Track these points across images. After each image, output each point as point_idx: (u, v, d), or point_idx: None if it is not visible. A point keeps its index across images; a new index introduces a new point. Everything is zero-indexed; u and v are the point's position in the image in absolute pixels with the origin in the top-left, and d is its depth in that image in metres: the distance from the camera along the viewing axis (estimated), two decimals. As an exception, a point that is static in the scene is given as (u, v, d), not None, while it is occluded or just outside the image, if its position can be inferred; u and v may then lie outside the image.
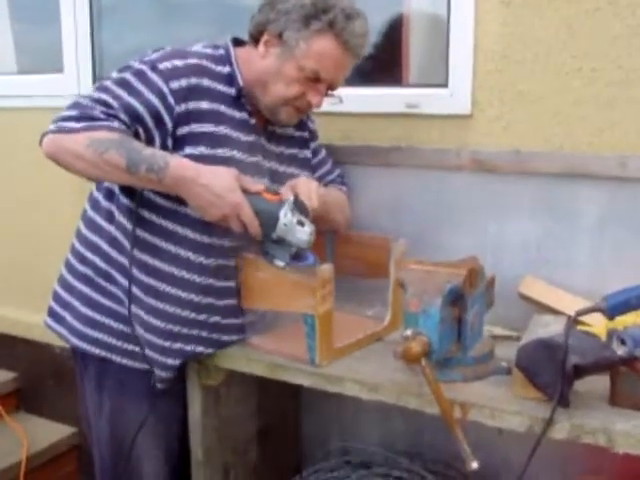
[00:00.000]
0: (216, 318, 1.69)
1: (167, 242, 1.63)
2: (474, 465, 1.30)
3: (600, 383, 1.40)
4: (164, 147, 1.56)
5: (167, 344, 1.66)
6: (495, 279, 1.69)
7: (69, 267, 1.77)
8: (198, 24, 2.46)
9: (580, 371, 1.32)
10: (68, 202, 2.55)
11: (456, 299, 1.46)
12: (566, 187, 1.78)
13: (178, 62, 1.58)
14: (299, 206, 1.53)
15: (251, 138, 1.68)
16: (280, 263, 1.55)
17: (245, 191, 1.51)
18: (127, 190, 1.63)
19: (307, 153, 1.87)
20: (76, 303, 1.73)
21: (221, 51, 1.67)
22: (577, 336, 1.37)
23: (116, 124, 1.51)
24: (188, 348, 1.67)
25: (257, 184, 1.56)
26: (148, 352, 1.66)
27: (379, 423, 2.13)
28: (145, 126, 1.55)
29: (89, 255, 1.71)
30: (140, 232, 1.62)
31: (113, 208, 1.67)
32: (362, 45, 1.64)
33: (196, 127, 1.58)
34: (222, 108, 1.62)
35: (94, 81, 2.60)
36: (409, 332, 1.38)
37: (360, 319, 1.85)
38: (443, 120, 1.93)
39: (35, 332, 2.70)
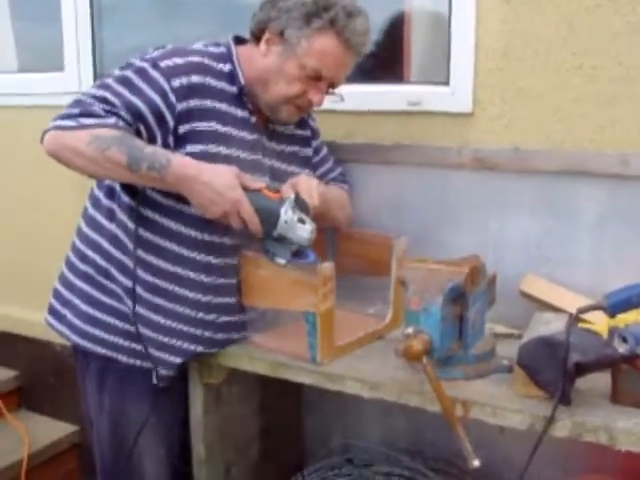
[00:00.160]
0: (217, 316, 1.69)
1: (168, 240, 1.63)
2: (475, 463, 1.30)
3: (601, 381, 1.40)
4: (165, 145, 1.56)
5: (168, 341, 1.66)
6: (496, 277, 1.69)
7: (70, 265, 1.77)
8: (199, 22, 2.46)
9: (581, 369, 1.32)
10: (69, 200, 2.55)
11: (457, 297, 1.46)
12: (567, 185, 1.78)
13: (179, 60, 1.58)
14: (300, 204, 1.53)
15: (252, 136, 1.68)
16: (281, 261, 1.55)
17: (246, 189, 1.51)
18: (128, 188, 1.63)
19: (308, 151, 1.87)
20: (77, 301, 1.73)
21: (222, 49, 1.67)
22: (578, 334, 1.37)
23: (118, 122, 1.51)
24: (190, 347, 1.67)
25: (258, 182, 1.56)
26: (148, 349, 1.66)
27: (381, 421, 2.14)
28: (147, 124, 1.55)
29: (90, 253, 1.71)
30: (141, 230, 1.62)
31: (114, 206, 1.67)
32: (363, 43, 1.64)
33: (197, 125, 1.58)
34: (223, 106, 1.62)
35: (95, 79, 2.60)
36: (410, 330, 1.38)
37: (361, 317, 1.85)
38: (444, 118, 1.93)
39: (36, 330, 2.70)
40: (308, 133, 1.87)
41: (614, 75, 1.71)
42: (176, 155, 1.52)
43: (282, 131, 1.79)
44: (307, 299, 1.56)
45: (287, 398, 2.13)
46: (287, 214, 1.51)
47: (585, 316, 1.50)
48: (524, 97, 1.82)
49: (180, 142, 1.57)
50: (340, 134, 2.06)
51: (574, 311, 1.43)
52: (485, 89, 1.87)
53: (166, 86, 1.55)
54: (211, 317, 1.68)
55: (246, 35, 1.71)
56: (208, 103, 1.60)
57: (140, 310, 1.65)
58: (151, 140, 1.56)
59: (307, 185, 1.61)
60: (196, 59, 1.61)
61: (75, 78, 2.64)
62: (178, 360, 1.68)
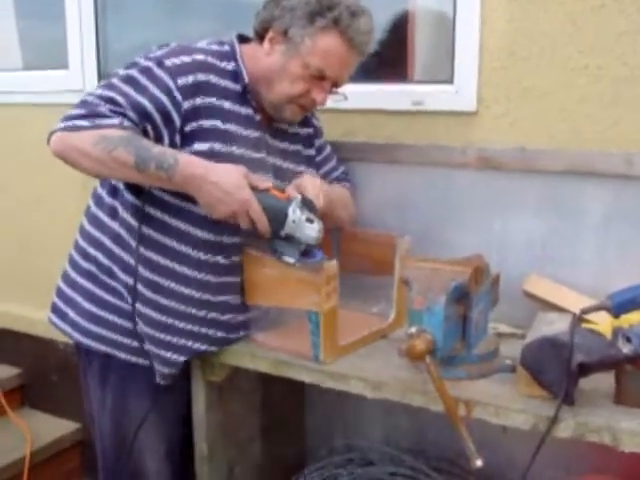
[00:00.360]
0: (220, 315, 1.69)
1: (172, 239, 1.63)
2: (478, 463, 1.29)
3: (605, 381, 1.40)
4: (172, 144, 1.56)
5: (171, 339, 1.66)
6: (500, 277, 1.69)
7: (72, 263, 1.77)
8: (203, 20, 2.46)
9: (585, 369, 1.32)
10: (72, 198, 2.55)
11: (461, 297, 1.45)
12: (572, 185, 1.78)
13: (184, 58, 1.58)
14: (307, 203, 1.53)
15: (256, 134, 1.68)
16: (290, 260, 1.55)
17: (253, 188, 1.51)
18: (133, 187, 1.62)
19: (311, 150, 1.87)
20: (79, 299, 1.74)
21: (226, 47, 1.67)
22: (582, 334, 1.37)
23: (124, 122, 1.50)
24: (192, 345, 1.68)
25: (265, 181, 1.56)
26: (151, 348, 1.66)
27: (383, 420, 2.13)
28: (153, 123, 1.55)
29: (92, 251, 1.71)
30: (145, 229, 1.62)
31: (117, 204, 1.67)
32: (367, 42, 1.64)
33: (203, 123, 1.58)
34: (228, 104, 1.62)
35: (99, 77, 2.60)
36: (414, 330, 1.38)
37: (364, 316, 1.85)
38: (448, 117, 1.93)
39: (39, 328, 2.71)
40: (311, 132, 1.87)
41: (619, 75, 1.71)
42: (184, 155, 1.52)
43: (286, 129, 1.78)
44: (310, 298, 1.56)
45: (289, 397, 2.13)
46: (295, 214, 1.51)
47: (589, 316, 1.50)
48: (529, 96, 1.82)
49: (186, 140, 1.57)
50: (344, 133, 2.06)
51: (578, 311, 1.43)
52: (489, 88, 1.86)
53: (172, 85, 1.54)
54: (214, 315, 1.68)
55: (250, 34, 1.71)
56: (213, 101, 1.59)
57: (143, 308, 1.65)
58: (158, 139, 1.56)
59: (312, 185, 1.61)
60: (200, 57, 1.60)
61: (79, 76, 2.64)
62: (181, 358, 1.68)
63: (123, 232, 1.66)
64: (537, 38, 1.79)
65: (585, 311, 1.43)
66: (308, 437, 2.27)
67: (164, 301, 1.65)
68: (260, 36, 1.67)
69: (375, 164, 2.03)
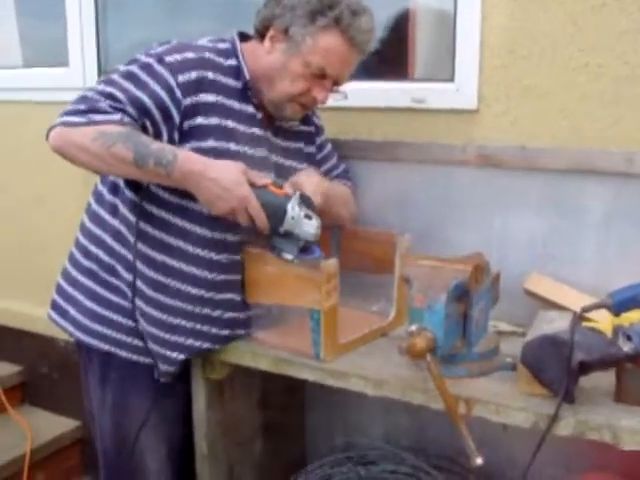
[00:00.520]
0: (221, 313, 1.69)
1: (172, 236, 1.63)
2: (478, 461, 1.30)
3: (605, 379, 1.40)
4: (171, 140, 1.56)
5: (172, 338, 1.66)
6: (500, 275, 1.69)
7: (73, 261, 1.77)
8: (203, 19, 2.46)
9: (586, 367, 1.32)
10: (73, 195, 2.55)
11: (461, 295, 1.46)
12: (572, 183, 1.78)
13: (185, 55, 1.58)
14: (305, 200, 1.53)
15: (257, 132, 1.68)
16: (288, 256, 1.55)
17: (252, 185, 1.51)
18: (132, 184, 1.62)
19: (312, 148, 1.87)
20: (80, 297, 1.74)
21: (227, 45, 1.67)
22: (583, 332, 1.37)
23: (124, 118, 1.50)
24: (194, 343, 1.67)
25: (264, 178, 1.56)
26: (152, 346, 1.67)
27: (383, 418, 2.14)
28: (152, 119, 1.55)
29: (93, 249, 1.71)
30: (145, 226, 1.62)
31: (117, 202, 1.67)
32: (368, 41, 1.64)
33: (203, 120, 1.58)
34: (229, 101, 1.62)
35: (99, 75, 2.60)
36: (414, 328, 1.38)
37: (365, 314, 1.85)
38: (449, 115, 1.93)
39: (40, 325, 2.71)
40: (312, 130, 1.87)
41: (620, 74, 1.71)
42: (183, 151, 1.52)
43: (287, 127, 1.78)
44: (311, 296, 1.56)
45: (290, 395, 2.13)
46: (294, 210, 1.51)
47: (589, 315, 1.50)
48: (529, 95, 1.82)
49: (185, 137, 1.57)
50: (344, 131, 2.06)
51: (578, 310, 1.43)
52: (490, 86, 1.86)
53: (172, 81, 1.54)
54: (214, 313, 1.68)
55: (250, 32, 1.71)
56: (213, 98, 1.59)
57: (143, 306, 1.65)
58: (157, 136, 1.55)
59: (309, 182, 1.61)
60: (201, 54, 1.60)
61: (79, 74, 2.64)
62: (181, 357, 1.68)
63: (123, 229, 1.66)
64: (538, 36, 1.79)
65: (586, 309, 1.43)
66: (308, 435, 2.27)
67: (163, 298, 1.65)
68: (261, 34, 1.66)
69: (376, 162, 2.03)
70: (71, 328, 1.75)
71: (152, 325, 1.66)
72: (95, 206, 1.73)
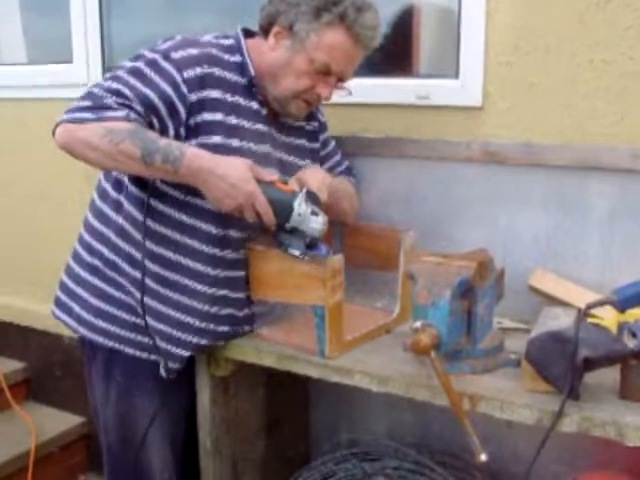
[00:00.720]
0: (228, 310, 1.69)
1: (177, 232, 1.63)
2: (483, 457, 1.29)
3: (610, 376, 1.40)
4: (177, 137, 1.56)
5: (178, 334, 1.66)
6: (505, 271, 1.69)
7: (77, 257, 1.77)
8: (207, 14, 2.46)
9: (590, 364, 1.31)
10: (77, 191, 2.56)
11: (466, 291, 1.45)
12: (577, 179, 1.78)
13: (190, 51, 1.58)
14: (312, 196, 1.54)
15: (262, 128, 1.68)
16: (296, 252, 1.55)
17: (259, 181, 1.51)
18: (137, 181, 1.62)
19: (316, 144, 1.87)
20: (84, 294, 1.74)
21: (231, 41, 1.67)
22: (587, 329, 1.37)
23: (131, 114, 1.50)
24: (199, 340, 1.68)
25: (271, 174, 1.56)
26: (158, 342, 1.66)
27: (387, 415, 2.14)
28: (159, 116, 1.55)
29: (97, 245, 1.72)
30: (151, 223, 1.62)
31: (121, 198, 1.67)
32: (373, 37, 1.64)
33: (208, 116, 1.58)
34: (234, 97, 1.62)
35: (103, 71, 2.60)
36: (418, 324, 1.38)
37: (369, 311, 1.85)
38: (454, 111, 1.92)
39: (44, 322, 2.71)
40: (316, 126, 1.87)
41: (625, 69, 1.71)
42: (190, 147, 1.52)
43: (291, 124, 1.78)
44: (316, 292, 1.56)
45: (294, 392, 2.13)
46: (300, 207, 1.51)
47: (594, 311, 1.50)
48: (534, 91, 1.81)
49: (191, 133, 1.57)
50: (348, 128, 2.06)
51: (583, 306, 1.42)
52: (495, 83, 1.86)
53: (178, 77, 1.54)
54: (219, 310, 1.68)
55: (254, 28, 1.71)
56: (219, 94, 1.59)
57: (148, 302, 1.65)
58: (163, 132, 1.55)
59: (314, 178, 1.61)
60: (206, 50, 1.60)
61: (84, 70, 2.65)
62: (185, 353, 1.68)
63: (128, 226, 1.66)
64: (543, 32, 1.78)
65: (590, 306, 1.43)
66: (312, 432, 2.27)
67: (169, 294, 1.65)
68: (265, 31, 1.66)
69: (380, 159, 2.02)
70: (75, 324, 1.75)
71: (155, 320, 1.66)
72: (99, 202, 1.73)
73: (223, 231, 1.64)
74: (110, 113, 1.49)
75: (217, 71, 1.60)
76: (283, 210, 1.51)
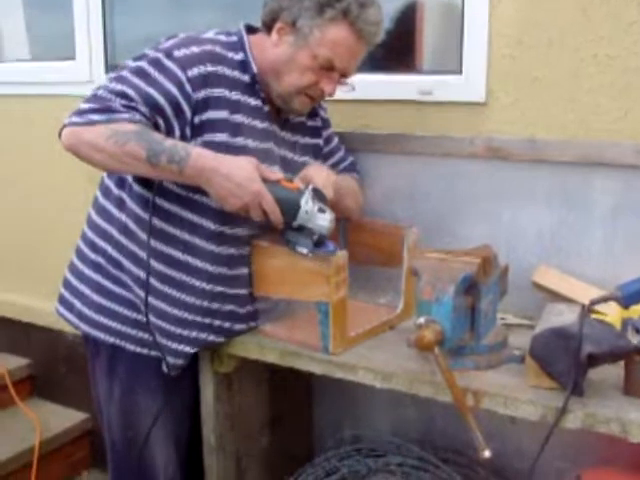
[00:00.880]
0: (230, 307, 1.69)
1: (179, 229, 1.63)
2: (487, 454, 1.30)
3: (614, 372, 1.40)
4: (183, 136, 1.56)
5: (180, 331, 1.67)
6: (509, 268, 1.69)
7: (80, 254, 1.77)
8: (210, 11, 2.46)
9: (594, 360, 1.31)
10: (81, 188, 2.56)
11: (469, 287, 1.45)
12: (581, 175, 1.77)
13: (193, 49, 1.57)
14: (318, 193, 1.54)
15: (265, 125, 1.67)
16: (303, 250, 1.55)
17: (265, 180, 1.51)
18: (142, 179, 1.62)
19: (319, 141, 1.87)
20: (87, 290, 1.74)
21: (234, 38, 1.67)
22: (591, 325, 1.37)
23: (136, 116, 1.50)
24: (202, 337, 1.68)
25: (276, 173, 1.55)
26: (160, 339, 1.67)
27: (391, 411, 2.14)
28: (164, 116, 1.54)
29: (100, 242, 1.72)
30: (156, 221, 1.62)
31: (124, 196, 1.67)
32: (376, 33, 1.63)
33: (212, 114, 1.58)
34: (237, 95, 1.62)
35: (106, 68, 2.60)
36: (422, 320, 1.38)
37: (373, 307, 1.85)
38: (457, 107, 1.92)
39: (48, 319, 2.71)
40: (319, 123, 1.87)
41: (629, 64, 1.70)
42: (195, 147, 1.52)
43: (294, 121, 1.78)
44: (320, 289, 1.56)
45: (297, 388, 2.13)
46: (307, 204, 1.51)
47: (598, 307, 1.50)
48: (538, 86, 1.81)
49: (196, 132, 1.57)
50: (352, 124, 2.06)
51: (587, 302, 1.42)
52: (498, 78, 1.85)
53: (182, 76, 1.54)
54: (221, 307, 1.68)
55: (257, 24, 1.70)
56: (222, 92, 1.59)
57: (153, 300, 1.65)
58: (169, 132, 1.55)
59: (320, 175, 1.61)
60: (209, 48, 1.60)
61: (86, 67, 2.64)
62: (188, 349, 1.68)
63: (131, 223, 1.66)
64: (546, 27, 1.78)
65: (594, 302, 1.43)
66: (316, 428, 2.27)
67: (172, 292, 1.65)
68: (268, 27, 1.66)
69: (383, 154, 2.02)
70: (77, 321, 1.76)
71: (160, 318, 1.66)
72: (102, 200, 1.73)
73: (224, 228, 1.64)
74: (115, 115, 1.49)
75: (220, 69, 1.59)
76: (290, 208, 1.51)
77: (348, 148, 1.98)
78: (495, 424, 1.51)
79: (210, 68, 1.57)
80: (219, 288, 1.66)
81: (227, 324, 1.70)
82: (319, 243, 1.55)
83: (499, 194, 1.88)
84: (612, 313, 1.57)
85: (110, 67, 2.58)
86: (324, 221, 1.53)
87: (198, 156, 1.49)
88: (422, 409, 2.04)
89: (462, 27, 1.89)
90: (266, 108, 1.68)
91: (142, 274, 1.64)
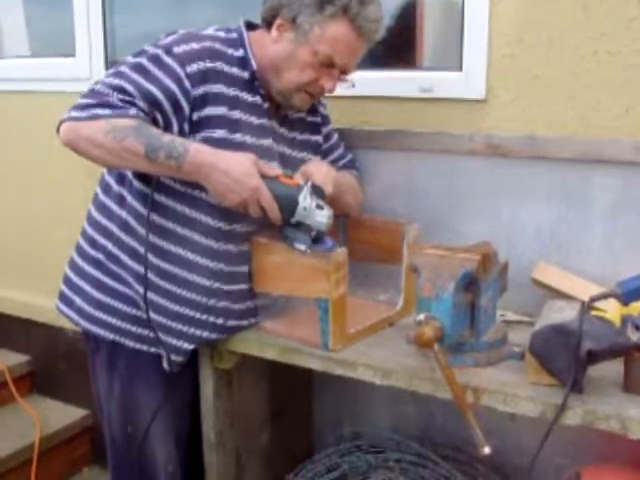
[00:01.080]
0: (230, 303, 1.69)
1: (182, 226, 1.63)
2: (486, 450, 1.30)
3: (614, 369, 1.40)
4: (181, 132, 1.56)
5: (180, 328, 1.67)
6: (508, 264, 1.69)
7: (80, 251, 1.77)
8: (210, 7, 2.45)
9: (594, 357, 1.31)
10: (81, 184, 2.56)
11: (469, 284, 1.45)
12: (580, 172, 1.77)
13: (193, 45, 1.57)
14: (317, 190, 1.54)
15: (263, 122, 1.67)
16: (301, 247, 1.55)
17: (263, 176, 1.51)
18: (141, 175, 1.62)
19: (318, 138, 1.87)
20: (86, 287, 1.74)
21: (234, 34, 1.67)
22: (591, 322, 1.37)
23: (134, 111, 1.50)
24: (201, 333, 1.68)
25: (274, 169, 1.55)
26: (160, 335, 1.67)
27: (390, 408, 2.14)
28: (163, 112, 1.54)
29: (100, 239, 1.72)
30: (154, 216, 1.62)
31: (124, 192, 1.67)
32: (376, 30, 1.63)
33: (211, 111, 1.58)
34: (236, 92, 1.62)
35: (106, 65, 2.60)
36: (422, 317, 1.38)
37: (372, 304, 1.85)
38: (457, 104, 1.92)
39: (48, 315, 2.72)
40: (318, 120, 1.87)
41: (629, 62, 1.70)
42: (193, 143, 1.52)
43: (293, 117, 1.78)
44: (320, 285, 1.56)
45: (297, 385, 2.14)
46: (306, 200, 1.51)
47: (597, 304, 1.50)
48: (538, 83, 1.81)
49: (195, 128, 1.57)
50: (351, 120, 2.06)
51: (586, 299, 1.42)
52: (498, 75, 1.85)
53: (181, 72, 1.54)
54: (224, 304, 1.68)
55: (257, 20, 1.70)
56: (221, 89, 1.59)
57: (152, 296, 1.65)
58: (167, 127, 1.55)
59: (319, 171, 1.61)
60: (209, 44, 1.60)
61: (86, 64, 2.64)
62: (187, 346, 1.68)
63: (131, 220, 1.66)
64: (546, 24, 1.78)
65: (594, 299, 1.43)
66: (316, 425, 2.28)
67: (171, 288, 1.65)
68: (268, 23, 1.66)
69: (383, 151, 2.02)
70: (76, 317, 1.76)
71: (160, 314, 1.66)
72: (102, 196, 1.73)
73: (223, 224, 1.64)
74: (114, 110, 1.49)
75: (219, 65, 1.59)
76: (288, 205, 1.51)
77: (347, 145, 1.98)
78: (495, 421, 1.51)
79: (209, 64, 1.57)
80: (218, 284, 1.66)
81: (228, 321, 1.70)
82: (317, 239, 1.55)
83: (499, 191, 1.88)
84: (612, 310, 1.58)
85: (110, 64, 2.58)
86: (322, 217, 1.53)
87: (196, 152, 1.49)
88: (422, 406, 2.04)
89: (462, 24, 1.89)
90: (265, 105, 1.68)
91: (143, 270, 1.63)
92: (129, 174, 1.65)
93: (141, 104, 1.52)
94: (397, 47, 2.12)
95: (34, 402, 2.89)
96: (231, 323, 1.70)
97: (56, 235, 2.74)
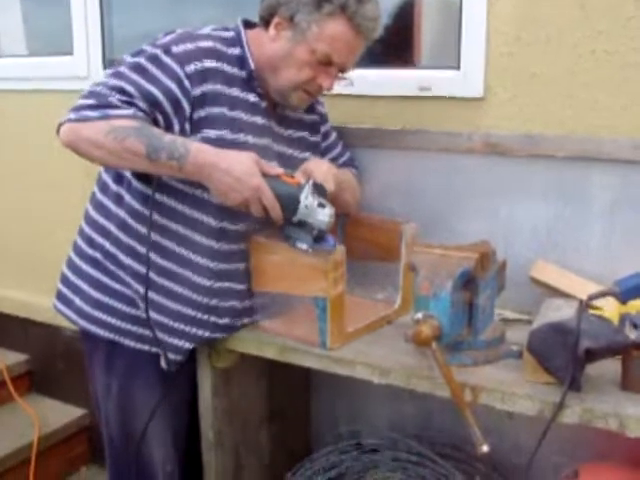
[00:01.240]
0: (229, 303, 1.69)
1: (179, 224, 1.63)
2: (484, 449, 1.30)
3: (612, 367, 1.40)
4: (182, 132, 1.56)
5: (179, 326, 1.67)
6: (506, 263, 1.69)
7: (78, 250, 1.77)
8: (208, 6, 2.45)
9: (592, 355, 1.32)
10: (79, 184, 2.55)
11: (467, 283, 1.45)
12: (578, 170, 1.77)
13: (191, 45, 1.57)
14: (318, 188, 1.53)
15: (261, 121, 1.67)
16: (303, 246, 1.55)
17: (264, 175, 1.50)
18: (141, 175, 1.62)
19: (317, 136, 1.87)
20: (84, 286, 1.74)
21: (231, 33, 1.66)
22: (589, 320, 1.37)
23: (135, 112, 1.50)
24: (199, 332, 1.68)
25: (276, 168, 1.55)
26: (159, 334, 1.66)
27: (389, 406, 2.14)
28: (163, 112, 1.54)
29: (98, 238, 1.71)
30: (155, 216, 1.62)
31: (122, 191, 1.67)
32: (374, 28, 1.63)
33: (210, 110, 1.57)
34: (234, 91, 1.62)
35: (104, 64, 2.59)
36: (420, 315, 1.38)
37: (370, 302, 1.85)
38: (455, 103, 1.92)
39: (47, 314, 2.71)
40: (316, 118, 1.87)
41: (627, 60, 1.70)
42: (194, 143, 1.51)
43: (291, 116, 1.78)
44: (318, 284, 1.56)
45: (295, 384, 2.14)
46: (307, 199, 1.51)
47: (595, 302, 1.50)
48: (536, 82, 1.81)
49: (194, 128, 1.57)
50: (350, 118, 2.05)
51: (584, 297, 1.42)
52: (496, 74, 1.85)
53: (180, 72, 1.54)
54: (219, 303, 1.68)
55: (255, 19, 1.70)
56: (220, 88, 1.59)
57: (151, 294, 1.65)
58: (168, 128, 1.55)
59: (320, 170, 1.61)
60: (207, 44, 1.60)
61: (84, 62, 2.64)
62: (187, 345, 1.68)
63: (129, 219, 1.66)
64: (544, 23, 1.77)
65: (592, 297, 1.43)
66: (314, 423, 2.28)
67: (171, 286, 1.65)
68: (265, 22, 1.65)
69: (381, 150, 2.02)
70: (75, 317, 1.75)
71: (159, 313, 1.66)
72: (99, 195, 1.73)
73: (222, 223, 1.64)
74: (114, 111, 1.48)
75: (218, 64, 1.59)
76: (290, 203, 1.51)
77: (345, 143, 1.98)
78: (493, 419, 1.52)
79: (208, 64, 1.57)
80: (215, 284, 1.66)
81: (226, 320, 1.70)
82: (319, 238, 1.55)
83: (497, 189, 1.88)
84: (610, 308, 1.57)
85: (108, 63, 2.58)
86: (324, 216, 1.53)
87: (198, 152, 1.48)
88: (420, 404, 2.05)
89: (460, 22, 1.89)
90: (263, 104, 1.68)
91: (142, 269, 1.63)
92: (127, 173, 1.65)
93: (141, 104, 1.52)
94: (395, 45, 2.12)
95: (32, 401, 2.88)
96: (230, 322, 1.70)
97: (54, 234, 2.74)
